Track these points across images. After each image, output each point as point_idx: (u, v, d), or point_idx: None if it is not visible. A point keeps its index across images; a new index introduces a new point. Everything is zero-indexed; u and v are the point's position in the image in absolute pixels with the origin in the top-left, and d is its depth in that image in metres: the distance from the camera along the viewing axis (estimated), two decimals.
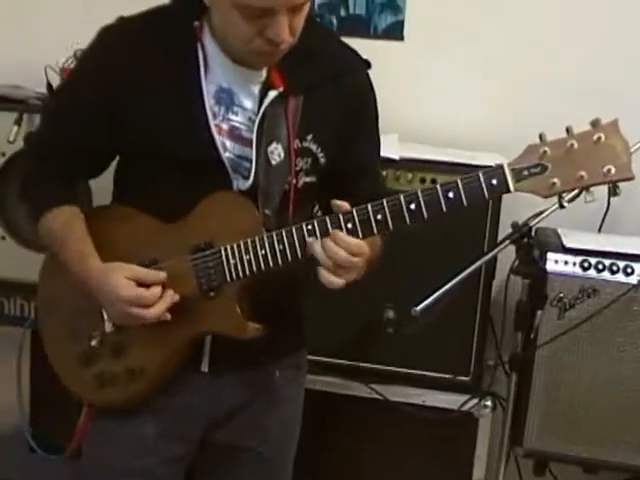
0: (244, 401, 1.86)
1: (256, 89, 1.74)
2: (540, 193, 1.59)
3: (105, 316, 1.77)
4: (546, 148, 1.57)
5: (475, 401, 2.49)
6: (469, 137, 2.71)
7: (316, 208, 1.92)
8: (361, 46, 1.84)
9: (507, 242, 2.32)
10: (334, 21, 2.82)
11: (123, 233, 1.79)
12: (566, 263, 2.35)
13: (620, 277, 2.33)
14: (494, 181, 1.58)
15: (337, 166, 1.81)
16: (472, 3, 2.76)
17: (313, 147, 1.77)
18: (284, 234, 1.67)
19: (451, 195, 1.60)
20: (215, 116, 1.72)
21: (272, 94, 1.71)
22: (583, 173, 1.56)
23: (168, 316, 1.70)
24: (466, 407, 2.49)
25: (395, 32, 2.79)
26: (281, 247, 1.67)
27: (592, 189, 1.58)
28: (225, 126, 1.73)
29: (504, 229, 2.42)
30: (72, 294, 1.80)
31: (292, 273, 1.74)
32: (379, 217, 1.62)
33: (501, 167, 1.58)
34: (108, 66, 1.72)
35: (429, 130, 2.73)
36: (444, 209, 1.61)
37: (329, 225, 1.64)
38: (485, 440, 2.50)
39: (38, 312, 1.91)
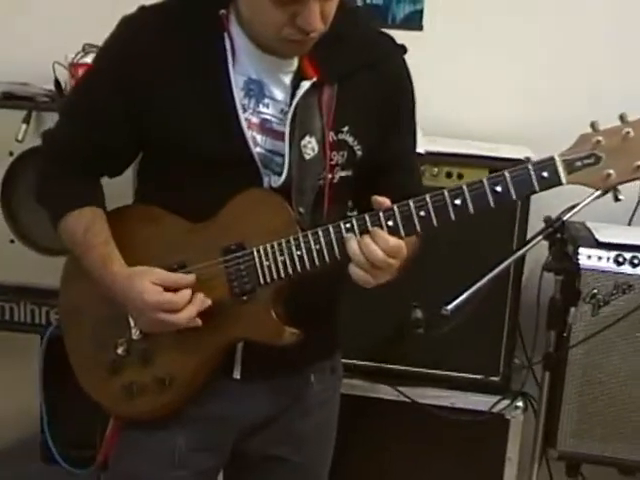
0: (279, 408, 1.77)
1: (287, 79, 1.65)
2: (594, 185, 1.51)
3: (131, 323, 1.69)
4: (600, 137, 1.49)
5: (506, 402, 2.42)
6: (492, 129, 2.63)
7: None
8: None
9: (540, 237, 2.21)
10: None
11: (148, 235, 1.70)
12: (599, 258, 2.29)
13: None
14: (545, 173, 1.50)
15: (374, 159, 1.72)
16: None
17: (349, 139, 1.68)
18: (320, 233, 1.58)
19: (499, 189, 1.51)
20: (245, 109, 1.63)
21: (306, 84, 1.62)
22: None
23: (199, 322, 1.61)
24: (497, 408, 2.42)
25: (414, 22, 2.71)
26: (318, 247, 1.58)
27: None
28: (255, 119, 1.64)
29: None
30: (96, 300, 1.71)
31: (328, 271, 1.65)
32: (422, 213, 1.54)
33: (552, 158, 1.50)
34: (129, 58, 1.63)
35: (450, 122, 2.65)
36: (492, 204, 1.52)
37: (368, 223, 1.55)
38: (516, 442, 2.43)
39: (61, 319, 1.82)
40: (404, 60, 1.76)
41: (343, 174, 1.70)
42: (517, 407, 2.42)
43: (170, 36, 1.62)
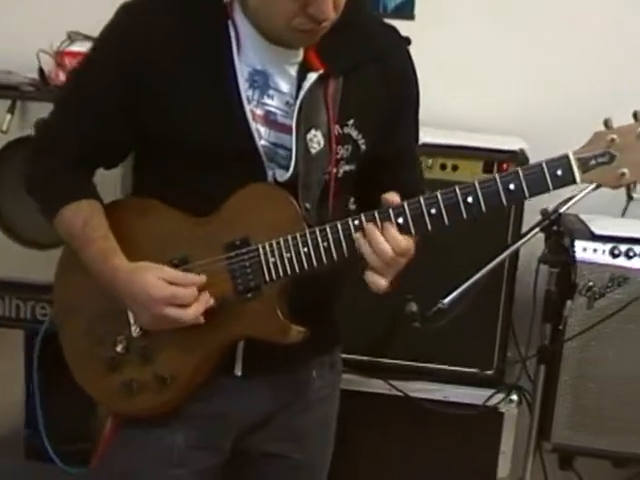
0: (280, 405, 1.74)
1: (293, 70, 1.61)
2: (608, 184, 1.50)
3: (131, 319, 1.64)
4: (614, 135, 1.47)
5: (500, 396, 2.41)
6: (485, 120, 2.61)
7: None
8: None
9: (537, 230, 2.21)
10: None
11: (147, 229, 1.65)
12: (595, 251, 2.28)
13: None
14: (559, 171, 1.48)
15: (377, 153, 1.69)
16: None
17: (354, 133, 1.64)
18: (329, 230, 1.54)
19: (512, 187, 1.49)
20: (249, 100, 1.59)
21: (312, 76, 1.58)
22: None
23: (202, 319, 1.58)
24: (491, 402, 2.41)
25: (405, 11, 2.68)
26: (325, 244, 1.55)
27: None
28: (259, 111, 1.60)
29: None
30: (94, 295, 1.66)
31: (332, 268, 1.62)
32: (433, 211, 1.51)
33: (566, 157, 1.48)
34: (131, 44, 1.58)
35: (441, 112, 2.61)
36: (504, 202, 1.50)
37: (378, 220, 1.52)
38: (510, 435, 2.42)
39: (55, 314, 1.77)
40: (409, 52, 1.73)
41: (347, 168, 1.66)
42: (511, 400, 2.41)
43: (173, 23, 1.57)
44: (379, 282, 1.54)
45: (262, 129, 1.60)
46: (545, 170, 1.48)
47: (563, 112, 2.58)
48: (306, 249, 1.55)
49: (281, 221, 1.57)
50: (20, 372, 2.64)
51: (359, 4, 1.72)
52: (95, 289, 1.65)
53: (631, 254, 2.26)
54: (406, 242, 1.52)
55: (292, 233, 1.56)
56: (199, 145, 1.58)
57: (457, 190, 1.50)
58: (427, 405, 2.41)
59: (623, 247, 2.27)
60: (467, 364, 2.44)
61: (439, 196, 1.51)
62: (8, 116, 2.31)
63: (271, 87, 1.60)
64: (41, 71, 2.47)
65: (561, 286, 2.28)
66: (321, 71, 1.58)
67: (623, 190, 2.50)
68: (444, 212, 1.51)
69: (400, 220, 1.52)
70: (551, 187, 1.49)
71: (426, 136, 2.37)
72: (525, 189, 1.49)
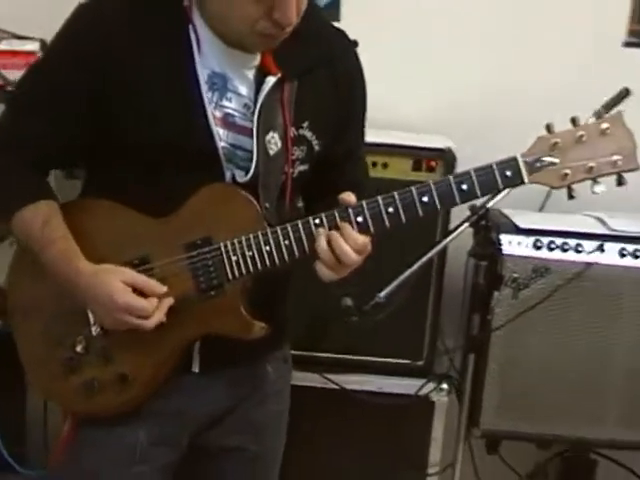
0: (237, 399, 1.79)
1: (250, 74, 1.65)
2: (552, 184, 1.59)
3: (91, 319, 1.65)
4: (557, 139, 1.57)
5: (432, 385, 2.50)
6: (412, 120, 2.67)
7: None
8: None
9: (466, 224, 2.30)
10: None
11: (104, 229, 1.66)
12: (519, 244, 2.38)
13: (571, 255, 2.37)
14: (508, 173, 1.57)
15: (329, 153, 1.75)
16: None
17: (308, 134, 1.70)
18: (290, 228, 1.60)
19: (465, 187, 1.57)
20: (209, 102, 1.62)
21: (271, 80, 1.63)
22: (593, 164, 1.57)
23: (163, 319, 1.60)
24: (422, 391, 2.49)
25: (331, 11, 2.71)
26: (287, 243, 1.60)
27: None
28: (218, 113, 1.63)
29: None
30: (51, 296, 1.67)
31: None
32: (391, 210, 1.58)
33: (514, 159, 1.57)
34: (94, 39, 1.57)
35: (371, 112, 2.68)
36: (457, 201, 1.58)
37: (338, 219, 1.58)
38: (441, 423, 2.51)
39: (10, 317, 1.75)
40: (357, 55, 1.79)
41: (302, 168, 1.72)
42: (442, 389, 2.50)
43: (136, 20, 1.58)
44: (331, 275, 1.60)
45: (221, 131, 1.63)
46: (496, 171, 1.57)
47: (487, 112, 2.67)
48: (268, 247, 1.59)
49: (242, 221, 1.61)
50: None
51: (311, 9, 1.77)
52: (52, 290, 1.66)
53: (552, 246, 2.37)
54: (363, 241, 1.58)
55: (254, 232, 1.60)
56: (159, 146, 1.59)
57: (413, 190, 1.58)
58: (362, 397, 2.47)
59: (545, 240, 2.38)
60: (399, 355, 2.51)
61: (396, 195, 1.58)
62: None
63: (230, 90, 1.64)
64: None
65: (488, 278, 2.38)
66: (279, 75, 1.63)
67: (540, 187, 2.65)
68: (401, 211, 1.58)
69: (360, 219, 1.58)
70: (501, 187, 1.58)
71: None
72: (477, 189, 1.57)
